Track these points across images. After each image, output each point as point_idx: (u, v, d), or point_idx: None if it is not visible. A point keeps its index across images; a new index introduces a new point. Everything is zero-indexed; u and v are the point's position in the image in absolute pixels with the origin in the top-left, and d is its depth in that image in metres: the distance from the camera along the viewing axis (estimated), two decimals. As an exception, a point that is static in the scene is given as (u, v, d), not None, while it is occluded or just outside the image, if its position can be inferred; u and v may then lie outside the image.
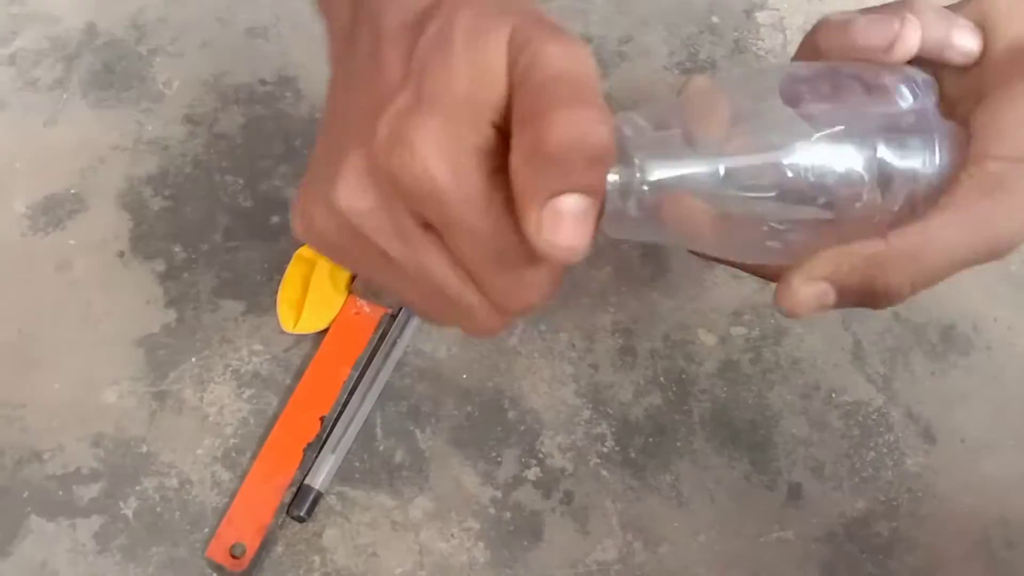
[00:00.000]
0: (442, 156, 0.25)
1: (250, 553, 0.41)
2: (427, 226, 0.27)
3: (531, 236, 0.25)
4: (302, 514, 0.42)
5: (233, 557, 0.42)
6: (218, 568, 0.42)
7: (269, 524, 0.42)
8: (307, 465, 0.43)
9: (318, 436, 0.44)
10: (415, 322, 0.47)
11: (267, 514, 0.42)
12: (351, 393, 0.45)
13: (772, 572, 0.43)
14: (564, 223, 0.25)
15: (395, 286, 0.29)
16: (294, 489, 0.43)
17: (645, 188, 0.29)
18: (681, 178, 0.29)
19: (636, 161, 0.29)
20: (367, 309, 0.46)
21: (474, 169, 0.26)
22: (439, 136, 0.25)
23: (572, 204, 0.25)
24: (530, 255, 0.26)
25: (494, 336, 0.42)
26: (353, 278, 0.47)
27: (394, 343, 0.46)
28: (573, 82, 0.26)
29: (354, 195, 0.27)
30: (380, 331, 0.46)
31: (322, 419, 0.44)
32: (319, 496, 0.43)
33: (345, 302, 0.46)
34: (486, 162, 0.26)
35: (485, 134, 0.27)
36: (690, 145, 0.29)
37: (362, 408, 0.44)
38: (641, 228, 0.30)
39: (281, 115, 0.52)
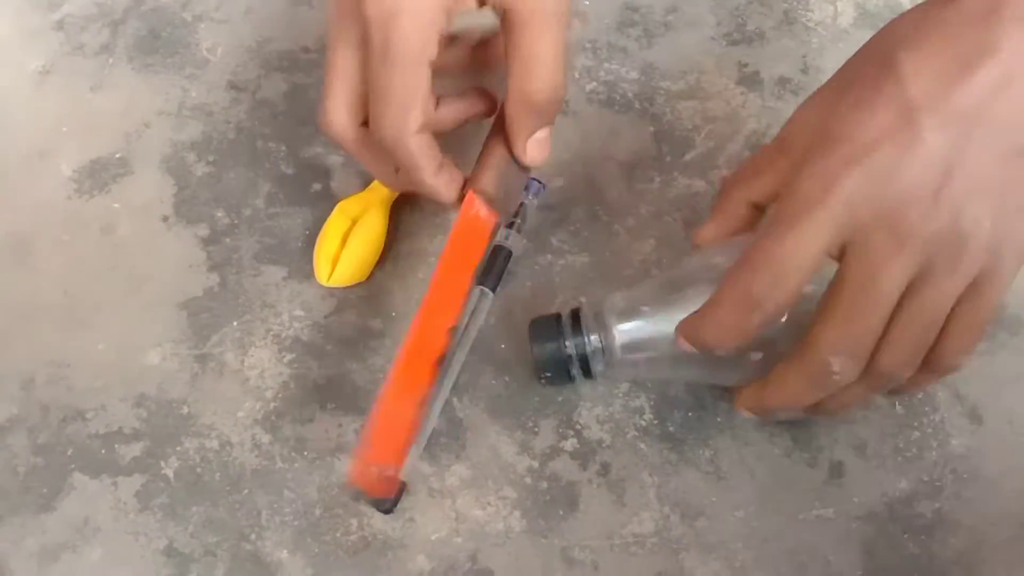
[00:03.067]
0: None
1: (396, 476, 0.41)
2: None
3: (519, 154, 0.43)
4: (387, 507, 0.42)
5: (379, 482, 0.40)
6: (363, 495, 0.41)
7: (409, 445, 0.41)
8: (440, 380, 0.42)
9: (448, 350, 0.42)
10: (486, 306, 0.46)
11: (405, 434, 0.41)
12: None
13: (811, 550, 0.42)
14: (539, 145, 0.43)
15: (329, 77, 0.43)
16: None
17: (619, 344, 0.42)
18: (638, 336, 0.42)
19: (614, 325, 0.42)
20: (483, 213, 0.44)
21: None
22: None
23: (544, 135, 0.43)
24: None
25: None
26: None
27: (465, 331, 0.45)
28: (551, 43, 0.40)
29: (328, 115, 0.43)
30: (470, 306, 0.45)
31: (451, 331, 0.42)
32: (404, 487, 0.42)
33: (464, 200, 0.44)
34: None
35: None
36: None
37: (439, 395, 0.43)
38: (638, 369, 0.43)
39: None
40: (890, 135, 0.34)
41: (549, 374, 0.43)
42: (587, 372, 0.43)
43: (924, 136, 0.34)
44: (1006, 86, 0.34)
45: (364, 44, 0.40)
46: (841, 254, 0.35)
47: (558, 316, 0.43)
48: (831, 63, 0.53)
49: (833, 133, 0.35)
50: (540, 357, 0.43)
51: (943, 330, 0.36)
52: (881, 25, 0.53)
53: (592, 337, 0.42)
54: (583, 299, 0.46)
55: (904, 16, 0.37)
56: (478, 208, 0.44)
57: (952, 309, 0.36)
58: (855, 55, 0.38)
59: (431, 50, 0.39)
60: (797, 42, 0.54)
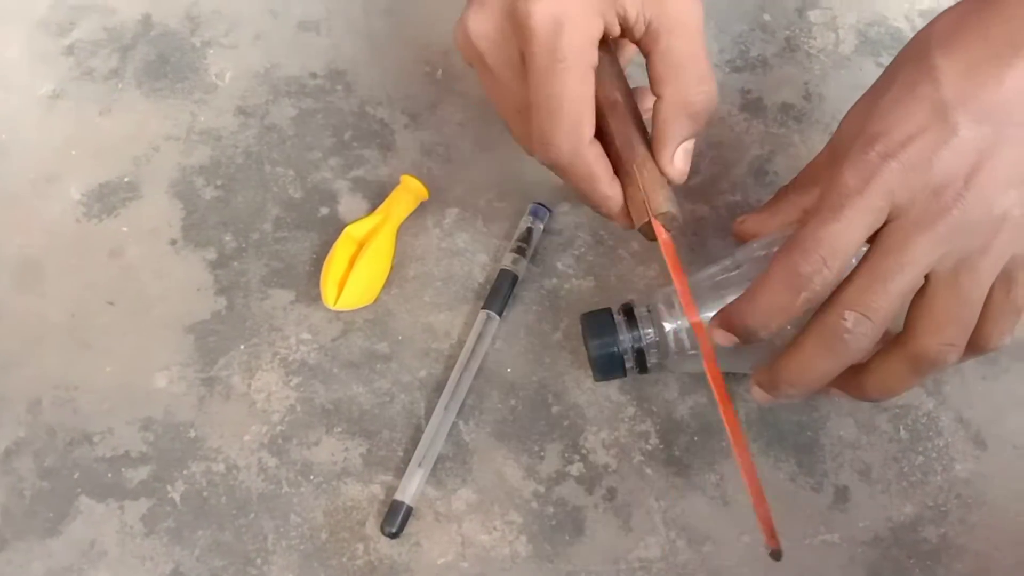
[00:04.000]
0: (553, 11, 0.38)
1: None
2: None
3: (665, 163, 0.42)
4: (394, 530, 0.42)
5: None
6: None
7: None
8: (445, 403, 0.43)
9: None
10: (492, 330, 0.47)
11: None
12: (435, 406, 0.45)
13: (816, 575, 0.42)
14: (687, 156, 0.42)
15: (494, 99, 0.43)
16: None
17: (672, 337, 0.43)
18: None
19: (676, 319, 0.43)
20: (664, 236, 0.42)
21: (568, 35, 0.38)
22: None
23: (691, 145, 0.42)
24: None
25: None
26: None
27: (471, 354, 0.46)
28: (701, 46, 0.41)
29: (477, 21, 0.40)
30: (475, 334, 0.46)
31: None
32: (410, 511, 0.43)
33: (655, 226, 0.42)
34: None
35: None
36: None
37: (445, 419, 0.44)
38: (691, 362, 0.43)
39: (331, 108, 0.53)
40: (924, 130, 0.36)
41: (604, 368, 0.43)
42: (642, 366, 0.43)
43: (957, 130, 0.36)
44: None
45: (520, 63, 0.40)
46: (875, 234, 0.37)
47: (609, 311, 0.43)
48: (833, 90, 0.53)
49: (872, 131, 0.37)
50: (596, 351, 0.43)
51: (982, 314, 0.38)
52: (882, 51, 0.55)
53: (647, 331, 0.43)
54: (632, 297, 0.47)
55: (941, 16, 0.39)
56: (661, 232, 0.42)
57: (990, 293, 0.38)
58: (895, 57, 0.40)
59: (595, 56, 0.40)
60: (799, 69, 0.54)
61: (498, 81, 0.41)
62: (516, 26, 0.39)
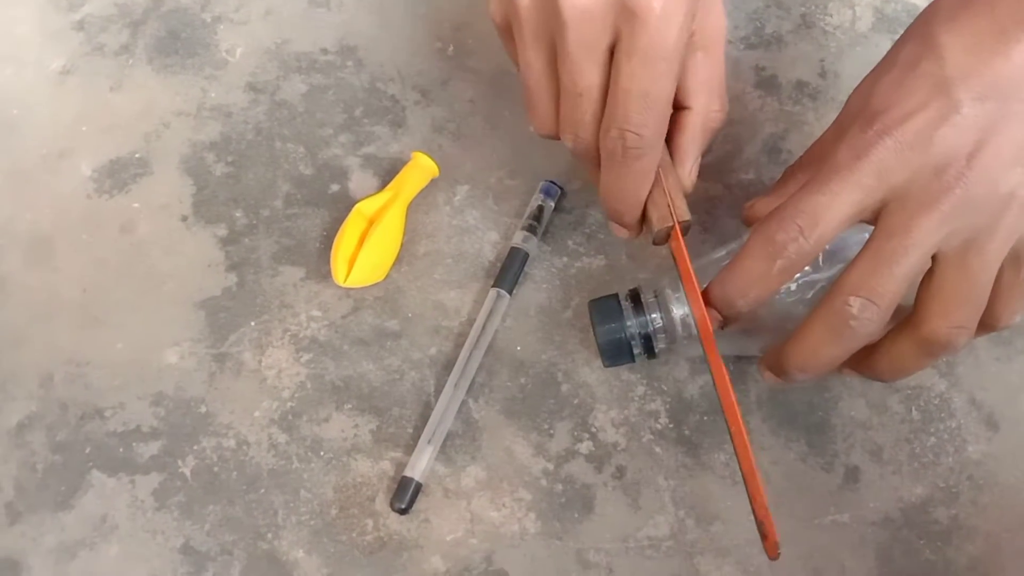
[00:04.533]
0: (673, 2, 0.37)
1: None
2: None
3: (684, 173, 0.43)
4: (403, 506, 0.42)
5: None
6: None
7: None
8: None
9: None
10: (502, 308, 0.46)
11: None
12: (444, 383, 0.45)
13: (826, 555, 0.42)
14: (698, 168, 0.43)
15: (532, 84, 0.41)
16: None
17: (680, 322, 0.43)
18: None
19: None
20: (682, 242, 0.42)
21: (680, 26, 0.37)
22: None
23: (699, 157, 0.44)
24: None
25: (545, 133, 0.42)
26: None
27: (482, 331, 0.46)
28: (723, 65, 0.43)
29: None
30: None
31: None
32: (420, 487, 0.43)
33: (673, 234, 0.42)
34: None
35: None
36: None
37: (455, 396, 0.44)
38: (698, 346, 0.41)
39: (342, 84, 0.53)
40: (924, 107, 0.35)
41: (612, 354, 0.43)
42: (650, 351, 0.43)
43: (959, 107, 0.35)
44: None
45: (608, 51, 0.38)
46: (877, 216, 0.37)
47: (616, 296, 0.43)
48: (849, 67, 0.53)
49: (872, 109, 0.37)
50: (604, 337, 0.43)
51: (992, 293, 0.37)
52: (899, 29, 0.54)
53: (654, 316, 0.42)
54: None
55: None
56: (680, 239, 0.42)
57: (999, 272, 0.37)
58: (902, 34, 0.39)
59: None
60: (815, 46, 0.54)
61: (575, 64, 0.38)
62: (627, 13, 0.36)
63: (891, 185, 0.36)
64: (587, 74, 0.38)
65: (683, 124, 0.42)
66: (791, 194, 0.42)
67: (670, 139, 0.42)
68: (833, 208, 0.36)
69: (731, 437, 0.39)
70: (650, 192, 0.41)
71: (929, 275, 0.37)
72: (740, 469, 0.38)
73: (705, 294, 0.39)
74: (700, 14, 0.39)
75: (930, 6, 0.38)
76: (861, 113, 0.37)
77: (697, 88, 0.41)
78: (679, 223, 0.41)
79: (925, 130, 0.35)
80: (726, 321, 0.39)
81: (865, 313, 0.36)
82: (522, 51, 0.40)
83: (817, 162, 0.42)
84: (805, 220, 0.36)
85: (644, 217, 0.42)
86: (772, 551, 0.37)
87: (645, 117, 0.38)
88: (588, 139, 0.40)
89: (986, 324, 0.38)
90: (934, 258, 0.36)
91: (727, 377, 0.39)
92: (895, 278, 0.36)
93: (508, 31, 0.41)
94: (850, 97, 0.40)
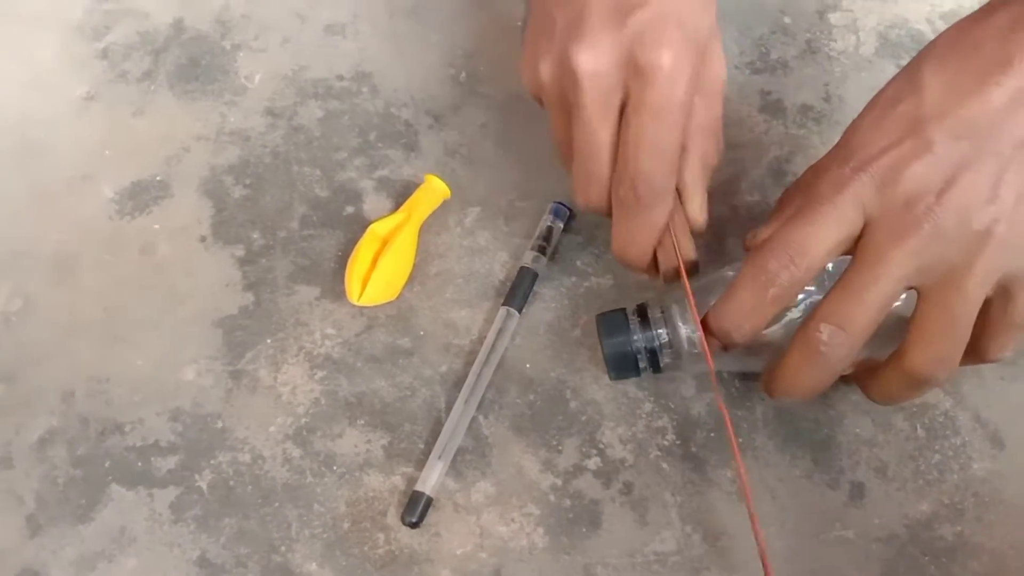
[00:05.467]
0: (682, 59, 0.38)
1: None
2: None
3: (696, 213, 0.44)
4: (414, 520, 0.43)
5: None
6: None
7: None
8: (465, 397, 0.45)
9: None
10: (512, 326, 0.47)
11: None
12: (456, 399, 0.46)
13: (832, 571, 0.42)
14: (706, 206, 0.44)
15: (563, 148, 0.43)
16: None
17: (685, 338, 0.43)
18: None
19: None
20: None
21: (687, 81, 0.39)
22: (683, 49, 0.38)
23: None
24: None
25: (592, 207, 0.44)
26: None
27: (492, 349, 0.46)
28: (721, 114, 0.44)
29: (592, 55, 0.38)
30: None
31: None
32: (430, 501, 0.44)
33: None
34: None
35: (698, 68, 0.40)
36: None
37: (465, 412, 0.45)
38: (704, 363, 0.42)
39: (357, 109, 0.54)
40: (899, 143, 0.37)
41: (618, 367, 0.44)
42: (655, 366, 0.44)
43: (931, 145, 0.36)
44: (1022, 101, 0.35)
45: (619, 109, 0.40)
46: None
47: (623, 311, 0.44)
48: (853, 92, 0.54)
49: (851, 144, 0.38)
50: (610, 350, 0.44)
51: (982, 327, 0.38)
52: (902, 53, 0.55)
53: (660, 331, 0.43)
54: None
55: (943, 33, 0.39)
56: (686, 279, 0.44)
57: (988, 308, 0.38)
58: (900, 70, 0.40)
59: None
60: (820, 71, 0.55)
61: (588, 123, 0.40)
62: (638, 70, 0.38)
63: (868, 217, 0.37)
64: (600, 132, 0.40)
65: (683, 165, 0.43)
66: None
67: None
68: (820, 238, 0.37)
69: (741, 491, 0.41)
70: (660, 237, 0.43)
71: (915, 309, 0.38)
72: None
73: (704, 323, 0.41)
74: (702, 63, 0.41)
75: (928, 45, 0.39)
76: (843, 148, 0.39)
77: (695, 131, 0.42)
78: (684, 263, 0.43)
79: (897, 166, 0.36)
80: (727, 347, 0.41)
81: (835, 340, 0.37)
82: (553, 121, 0.42)
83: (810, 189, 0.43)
84: (795, 249, 0.37)
85: (655, 260, 0.44)
86: None
87: (655, 167, 0.40)
88: (602, 195, 0.42)
89: (975, 356, 0.39)
90: (918, 292, 0.37)
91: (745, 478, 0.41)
92: (864, 307, 0.37)
93: (541, 102, 0.43)
94: (848, 129, 0.41)
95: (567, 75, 0.39)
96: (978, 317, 0.38)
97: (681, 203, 0.44)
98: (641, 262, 0.44)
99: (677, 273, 0.43)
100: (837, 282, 0.38)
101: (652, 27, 0.38)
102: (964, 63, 0.37)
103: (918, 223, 0.36)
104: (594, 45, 0.39)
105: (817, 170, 0.43)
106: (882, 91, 0.40)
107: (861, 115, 0.40)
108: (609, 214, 0.43)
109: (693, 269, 0.44)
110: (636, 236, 0.42)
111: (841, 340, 0.38)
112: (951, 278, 0.36)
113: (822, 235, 0.37)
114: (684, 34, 0.39)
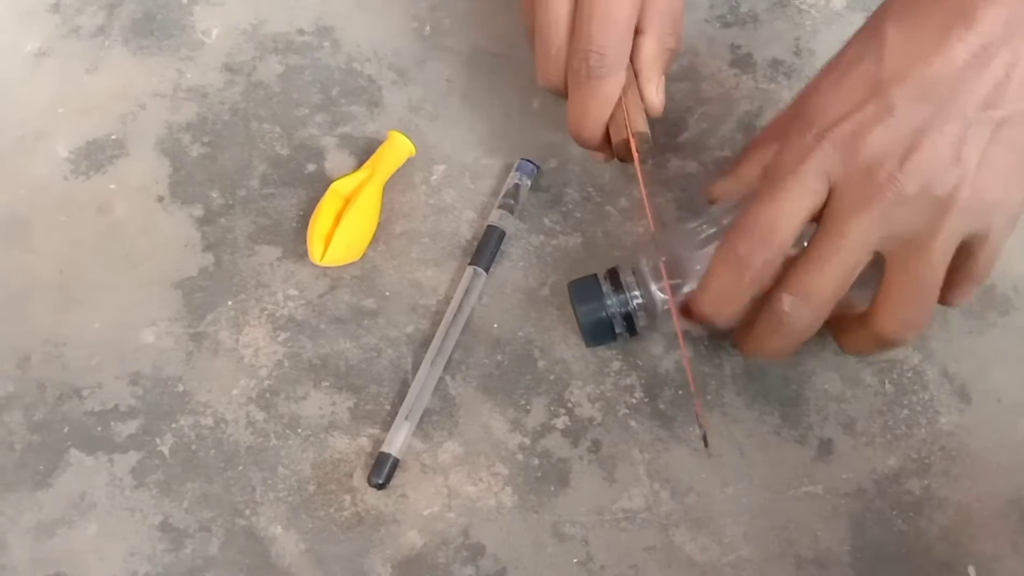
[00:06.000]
0: None
1: None
2: None
3: (651, 94, 0.44)
4: (381, 481, 0.42)
5: None
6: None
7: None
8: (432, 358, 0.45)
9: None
10: (479, 285, 0.47)
11: None
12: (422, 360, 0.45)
13: (800, 525, 0.43)
14: (663, 90, 0.45)
15: (530, 30, 0.44)
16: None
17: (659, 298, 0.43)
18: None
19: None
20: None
21: None
22: None
23: (663, 82, 0.45)
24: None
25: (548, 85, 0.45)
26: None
27: (459, 309, 0.46)
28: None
29: None
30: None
31: None
32: (397, 463, 0.43)
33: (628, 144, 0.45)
34: None
35: None
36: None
37: (432, 373, 0.44)
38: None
39: (318, 65, 0.53)
40: (859, 109, 0.36)
41: (595, 334, 0.44)
42: (632, 330, 0.43)
43: (892, 109, 0.35)
44: (985, 59, 0.34)
45: None
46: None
47: (595, 277, 0.44)
48: (824, 45, 0.53)
49: (812, 109, 0.37)
50: (586, 319, 0.43)
51: (947, 276, 0.38)
52: (873, 6, 0.54)
53: (634, 294, 0.43)
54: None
55: None
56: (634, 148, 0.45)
57: (952, 259, 0.37)
58: (862, 25, 0.40)
59: None
60: (790, 24, 0.54)
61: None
62: None
63: (832, 185, 0.36)
64: (557, 7, 0.41)
65: (640, 46, 0.43)
66: (748, 174, 0.43)
67: (631, 63, 0.44)
68: (786, 214, 0.37)
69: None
70: (613, 113, 0.44)
71: (883, 274, 0.38)
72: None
73: (686, 312, 0.41)
74: None
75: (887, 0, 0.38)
76: (803, 112, 0.38)
77: (653, 13, 0.43)
78: (634, 135, 0.43)
79: (859, 132, 0.36)
80: (709, 330, 0.42)
81: (796, 310, 0.38)
82: (522, 3, 0.44)
83: (773, 140, 0.42)
84: (764, 230, 0.37)
85: (608, 138, 0.45)
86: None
87: (606, 39, 0.41)
88: (560, 70, 0.43)
89: (942, 299, 0.39)
90: (884, 257, 0.37)
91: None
92: (827, 277, 0.37)
93: None
94: (809, 84, 0.40)
95: None
96: None
97: (637, 84, 0.44)
98: (594, 137, 0.44)
99: (628, 149, 0.43)
100: (803, 251, 0.37)
101: None
102: (925, 18, 0.36)
103: (880, 191, 0.35)
104: None
105: (781, 120, 0.42)
106: (843, 49, 0.39)
107: (822, 74, 0.39)
108: (566, 94, 0.44)
109: (645, 144, 0.44)
110: (588, 109, 0.43)
111: (802, 311, 0.38)
112: (916, 244, 0.36)
113: (788, 210, 0.37)
114: None
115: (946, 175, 0.35)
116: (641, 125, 0.44)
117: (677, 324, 0.42)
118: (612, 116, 0.44)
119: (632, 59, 0.44)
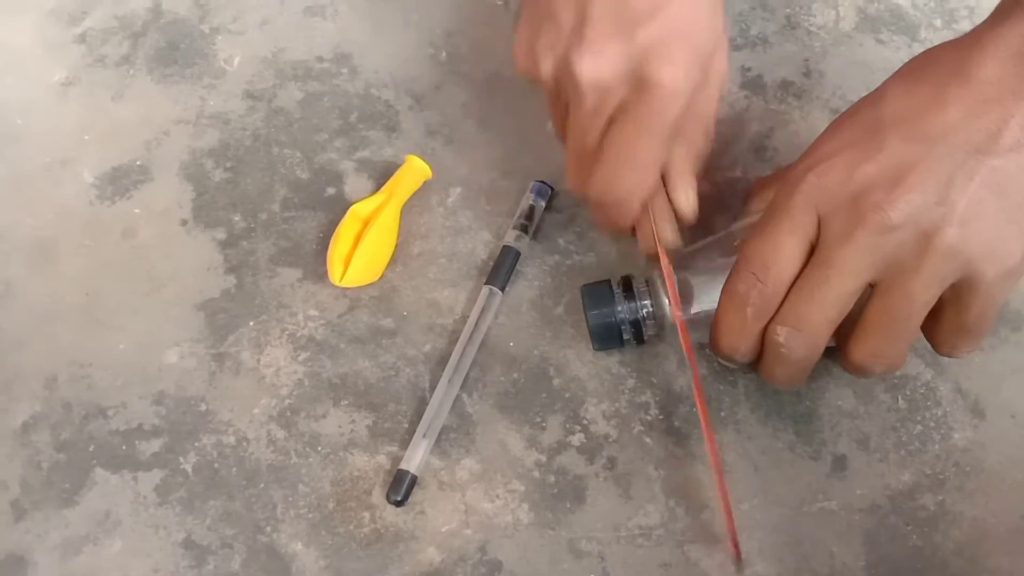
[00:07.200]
0: (685, 78, 0.39)
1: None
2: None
3: (682, 202, 0.45)
4: (399, 498, 0.43)
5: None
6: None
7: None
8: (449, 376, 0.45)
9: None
10: (495, 305, 0.47)
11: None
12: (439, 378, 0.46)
13: (815, 541, 0.43)
14: (695, 195, 0.45)
15: (559, 127, 0.44)
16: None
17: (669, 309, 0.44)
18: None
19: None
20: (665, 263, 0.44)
21: (683, 100, 0.40)
22: (688, 67, 0.39)
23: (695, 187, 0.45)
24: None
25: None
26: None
27: (475, 328, 0.46)
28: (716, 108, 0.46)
29: (596, 64, 0.38)
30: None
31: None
32: (415, 480, 0.44)
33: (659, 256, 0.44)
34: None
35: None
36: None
37: (449, 391, 0.45)
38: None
39: (337, 91, 0.54)
40: (852, 145, 0.37)
41: (601, 337, 0.45)
42: (639, 338, 0.44)
43: (883, 146, 0.36)
44: (979, 112, 0.35)
45: (609, 111, 0.41)
46: None
47: (608, 282, 0.45)
48: (833, 66, 0.54)
49: (808, 151, 0.39)
50: (594, 321, 0.44)
51: (934, 323, 0.38)
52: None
53: (644, 303, 0.44)
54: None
55: (918, 55, 0.39)
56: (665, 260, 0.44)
57: (942, 309, 0.38)
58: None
59: None
60: (799, 46, 0.55)
61: (582, 121, 0.41)
62: (639, 83, 0.39)
63: (820, 217, 0.37)
64: (591, 132, 0.41)
65: (673, 152, 0.44)
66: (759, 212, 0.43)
67: (663, 169, 0.44)
68: (779, 250, 0.38)
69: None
70: (639, 222, 0.45)
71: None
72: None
73: (711, 346, 0.42)
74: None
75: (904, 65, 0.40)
76: (803, 155, 0.39)
77: (689, 122, 0.42)
78: (661, 246, 0.44)
79: (848, 165, 0.36)
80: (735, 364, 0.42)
81: (791, 341, 0.38)
82: (550, 104, 0.44)
83: (772, 184, 0.44)
84: (757, 268, 0.38)
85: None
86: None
87: (625, 177, 0.41)
88: (587, 183, 0.43)
89: (935, 345, 0.40)
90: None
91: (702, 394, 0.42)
92: (818, 307, 0.37)
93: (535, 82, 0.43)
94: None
95: (568, 77, 0.40)
96: (934, 314, 0.38)
97: (667, 190, 0.44)
98: (623, 232, 0.46)
99: (657, 259, 0.44)
100: (795, 282, 0.38)
101: (660, 43, 0.38)
102: (925, 76, 0.37)
103: (866, 219, 0.36)
104: (599, 53, 0.39)
105: (783, 173, 0.43)
106: (851, 106, 0.40)
107: (827, 127, 0.40)
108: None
109: (674, 252, 0.44)
110: (608, 226, 0.46)
111: (798, 341, 0.38)
112: (897, 276, 0.36)
113: (780, 246, 0.38)
114: (691, 49, 0.39)
115: (932, 211, 0.35)
116: (669, 234, 0.45)
117: (690, 356, 0.42)
118: (640, 226, 0.45)
119: (664, 165, 0.44)
